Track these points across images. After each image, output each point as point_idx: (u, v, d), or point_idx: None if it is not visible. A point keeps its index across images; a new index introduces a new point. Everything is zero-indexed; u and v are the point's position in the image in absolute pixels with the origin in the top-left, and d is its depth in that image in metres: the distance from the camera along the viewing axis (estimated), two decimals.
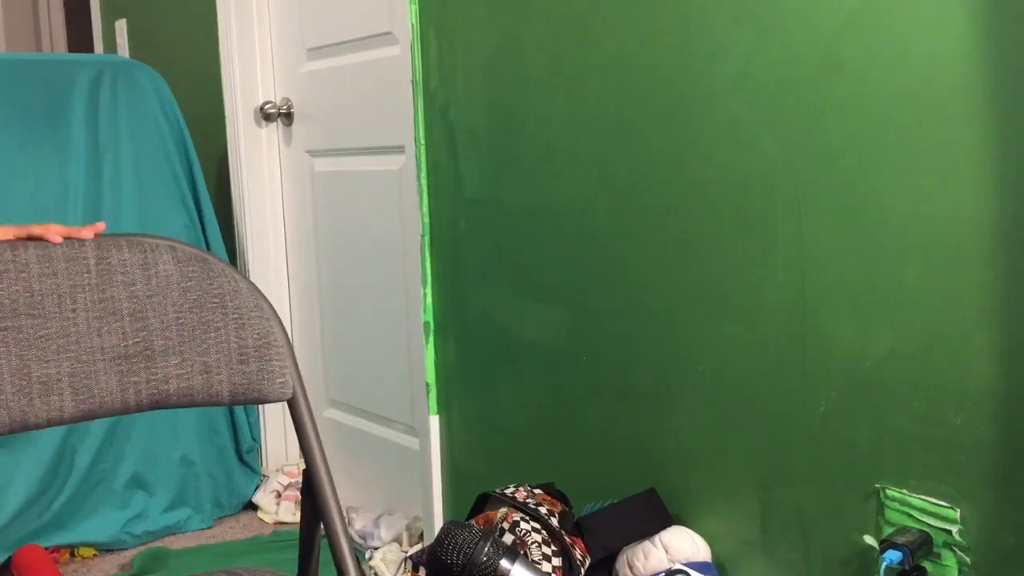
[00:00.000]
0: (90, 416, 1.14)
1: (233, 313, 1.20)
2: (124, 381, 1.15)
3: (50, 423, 1.12)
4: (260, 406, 2.87)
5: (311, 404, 3.00)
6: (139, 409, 1.17)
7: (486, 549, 1.06)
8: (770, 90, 1.50)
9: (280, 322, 1.22)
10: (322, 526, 1.19)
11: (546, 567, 1.61)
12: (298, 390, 1.21)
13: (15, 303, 1.10)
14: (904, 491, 1.40)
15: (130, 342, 1.15)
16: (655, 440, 1.76)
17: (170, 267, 1.18)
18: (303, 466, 3.03)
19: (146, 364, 1.16)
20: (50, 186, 2.44)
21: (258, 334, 1.20)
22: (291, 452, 2.95)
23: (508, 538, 1.64)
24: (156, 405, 1.17)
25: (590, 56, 1.78)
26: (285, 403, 1.23)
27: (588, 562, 1.68)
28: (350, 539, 1.17)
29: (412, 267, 2.26)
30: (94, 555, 2.46)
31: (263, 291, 3.13)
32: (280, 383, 1.20)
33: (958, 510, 1.34)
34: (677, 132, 1.64)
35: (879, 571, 1.35)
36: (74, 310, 1.13)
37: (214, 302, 1.19)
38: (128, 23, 3.40)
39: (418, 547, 2.29)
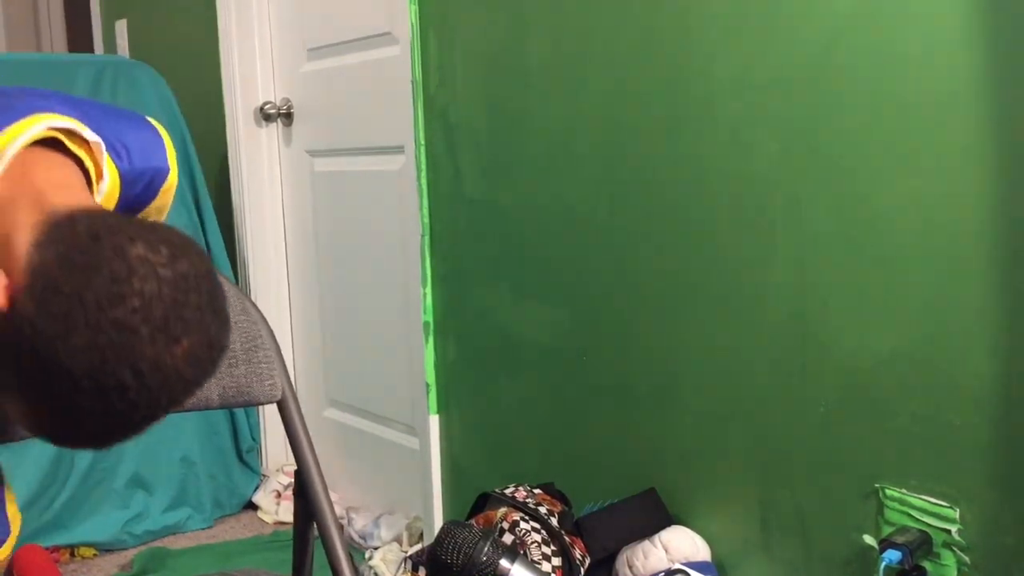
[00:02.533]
0: None
1: None
2: None
3: None
4: (260, 406, 2.87)
5: (311, 404, 2.99)
6: None
7: (486, 549, 1.06)
8: (770, 90, 1.50)
9: (267, 324, 1.22)
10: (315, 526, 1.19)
11: (546, 567, 1.61)
12: (287, 391, 1.21)
13: None
14: (904, 491, 1.40)
15: None
16: (655, 440, 1.75)
17: None
18: None
19: None
20: None
21: (246, 337, 1.19)
22: (291, 452, 2.94)
23: (508, 538, 1.64)
24: None
25: (590, 56, 1.77)
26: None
27: (588, 562, 1.68)
28: (344, 538, 1.17)
29: (412, 267, 2.26)
30: (94, 555, 2.46)
31: (263, 291, 3.12)
32: (269, 385, 1.20)
33: (958, 510, 1.34)
34: (677, 132, 1.64)
35: (879, 571, 1.35)
36: None
37: None
38: (128, 23, 3.40)
39: (418, 547, 2.29)
